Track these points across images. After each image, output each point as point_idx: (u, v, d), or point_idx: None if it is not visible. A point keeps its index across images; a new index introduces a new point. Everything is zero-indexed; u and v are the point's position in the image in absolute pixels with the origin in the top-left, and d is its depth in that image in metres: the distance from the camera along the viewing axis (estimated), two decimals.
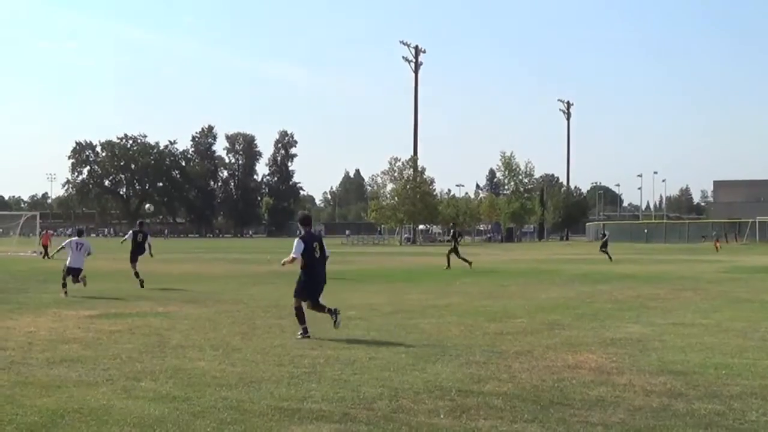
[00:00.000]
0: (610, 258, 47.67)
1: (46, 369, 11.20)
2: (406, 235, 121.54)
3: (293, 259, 14.34)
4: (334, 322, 14.46)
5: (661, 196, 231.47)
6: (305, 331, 14.41)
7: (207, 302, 21.02)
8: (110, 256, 46.73)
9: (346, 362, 11.73)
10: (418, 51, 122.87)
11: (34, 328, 15.53)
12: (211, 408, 8.82)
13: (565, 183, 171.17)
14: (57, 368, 11.24)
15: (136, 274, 26.71)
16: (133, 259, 27.73)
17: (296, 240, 14.44)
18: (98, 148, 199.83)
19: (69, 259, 23.92)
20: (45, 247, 54.02)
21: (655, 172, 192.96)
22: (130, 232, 29.21)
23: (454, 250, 39.35)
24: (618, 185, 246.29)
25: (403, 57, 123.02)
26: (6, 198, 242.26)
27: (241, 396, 9.42)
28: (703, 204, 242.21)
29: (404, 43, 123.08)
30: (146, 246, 28.22)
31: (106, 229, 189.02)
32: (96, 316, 17.67)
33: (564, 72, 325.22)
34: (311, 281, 14.59)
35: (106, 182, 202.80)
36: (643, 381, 10.42)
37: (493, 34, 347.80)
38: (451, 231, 46.14)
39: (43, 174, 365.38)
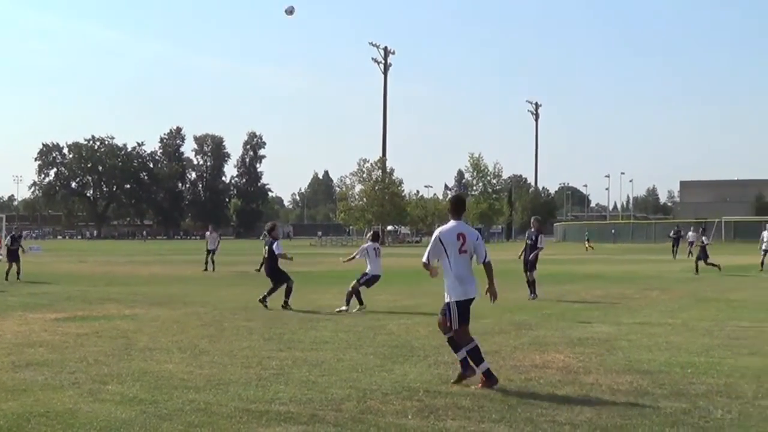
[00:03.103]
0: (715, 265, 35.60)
1: (12, 373, 11.10)
2: None
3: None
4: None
5: (628, 197, 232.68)
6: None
7: (174, 304, 20.95)
8: (77, 258, 46.57)
9: (314, 364, 11.72)
10: (387, 52, 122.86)
11: None
12: (179, 411, 8.77)
13: (533, 184, 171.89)
14: (23, 372, 11.15)
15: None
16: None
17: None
18: (65, 150, 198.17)
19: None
20: None
21: (623, 173, 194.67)
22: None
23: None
24: (585, 186, 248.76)
25: (372, 58, 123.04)
26: None
27: (209, 398, 9.38)
28: (669, 204, 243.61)
29: (373, 45, 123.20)
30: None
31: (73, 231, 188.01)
32: (62, 319, 17.55)
33: (532, 73, 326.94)
34: None
35: (73, 184, 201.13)
36: (610, 380, 10.48)
37: (463, 35, 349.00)
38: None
39: (9, 176, 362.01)
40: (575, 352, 12.89)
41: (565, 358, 12.25)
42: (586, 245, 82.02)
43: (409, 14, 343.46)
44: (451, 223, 10.73)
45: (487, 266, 10.94)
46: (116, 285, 26.87)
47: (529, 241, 24.30)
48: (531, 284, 23.05)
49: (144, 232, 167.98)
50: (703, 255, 35.51)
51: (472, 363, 10.30)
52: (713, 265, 34.49)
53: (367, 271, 20.09)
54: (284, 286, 20.05)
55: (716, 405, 9.06)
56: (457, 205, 10.96)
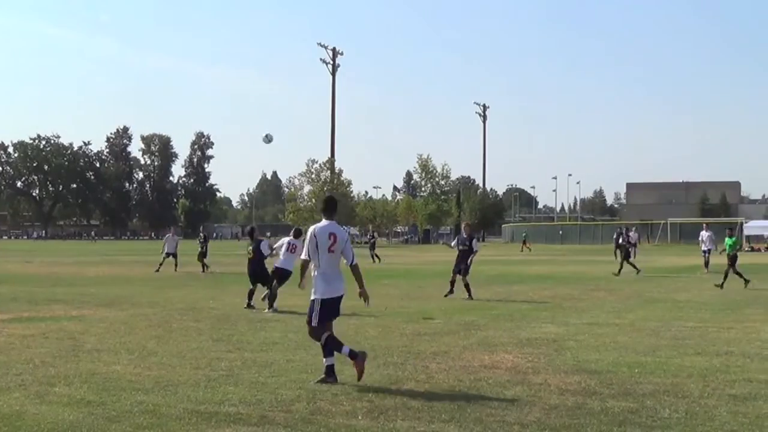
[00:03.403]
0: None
1: None
2: None
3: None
4: None
5: (575, 198, 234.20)
6: None
7: (122, 305, 20.79)
8: (22, 259, 46.05)
9: (263, 365, 11.70)
10: (335, 53, 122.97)
11: None
12: (127, 413, 8.72)
13: (481, 185, 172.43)
14: None
15: None
16: None
17: None
18: (10, 149, 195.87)
19: None
20: None
21: (570, 175, 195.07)
22: None
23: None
24: (533, 187, 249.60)
25: (320, 59, 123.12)
26: None
27: (158, 400, 9.33)
28: (616, 206, 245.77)
29: (322, 45, 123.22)
30: None
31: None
32: (8, 320, 17.34)
33: (480, 74, 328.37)
34: None
35: (18, 183, 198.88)
36: (559, 380, 10.56)
37: (411, 36, 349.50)
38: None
39: None
40: (524, 352, 12.97)
41: (514, 359, 12.32)
42: (522, 246, 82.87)
43: (357, 15, 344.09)
44: (324, 222, 10.97)
45: (355, 269, 11.03)
46: (63, 286, 26.62)
47: (462, 247, 24.03)
48: (465, 286, 23.10)
49: (93, 233, 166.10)
50: (627, 254, 36.28)
51: (335, 351, 10.54)
52: (633, 265, 35.05)
53: (275, 263, 20.49)
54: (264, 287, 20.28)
55: (663, 404, 9.17)
56: (329, 205, 11.23)
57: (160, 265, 37.88)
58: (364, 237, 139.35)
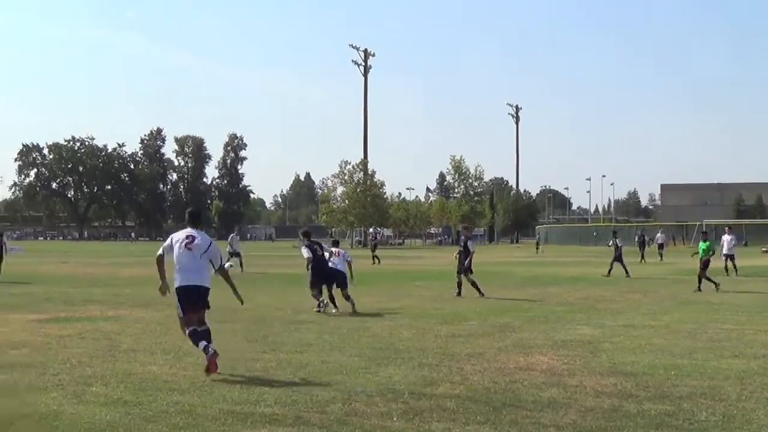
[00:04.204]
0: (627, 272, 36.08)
1: None
2: (357, 238, 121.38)
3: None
4: None
5: (609, 200, 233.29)
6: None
7: (158, 306, 20.82)
8: (58, 259, 46.37)
9: (298, 366, 11.71)
10: (367, 54, 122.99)
11: None
12: (163, 413, 8.76)
13: (514, 186, 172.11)
14: (6, 373, 11.10)
15: None
16: None
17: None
18: (45, 151, 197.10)
19: None
20: None
21: (604, 176, 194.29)
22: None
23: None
24: (567, 188, 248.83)
25: (352, 60, 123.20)
26: None
27: (194, 400, 9.37)
28: (650, 207, 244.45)
29: (354, 47, 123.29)
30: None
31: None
32: (45, 321, 17.47)
33: (514, 75, 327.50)
34: None
35: (54, 185, 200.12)
36: (594, 382, 10.51)
37: (445, 38, 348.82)
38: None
39: None
40: (559, 354, 12.92)
41: (549, 361, 12.27)
42: (537, 248, 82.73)
43: (390, 16, 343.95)
44: (186, 229, 11.89)
45: (222, 272, 12.05)
46: (98, 286, 26.79)
47: (460, 247, 25.20)
48: (473, 285, 23.91)
49: (132, 234, 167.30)
50: (620, 258, 36.20)
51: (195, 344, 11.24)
52: (625, 269, 35.26)
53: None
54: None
55: (700, 407, 9.10)
56: (192, 216, 12.18)
57: (240, 265, 37.86)
58: (398, 239, 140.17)
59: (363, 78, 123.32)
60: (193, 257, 11.52)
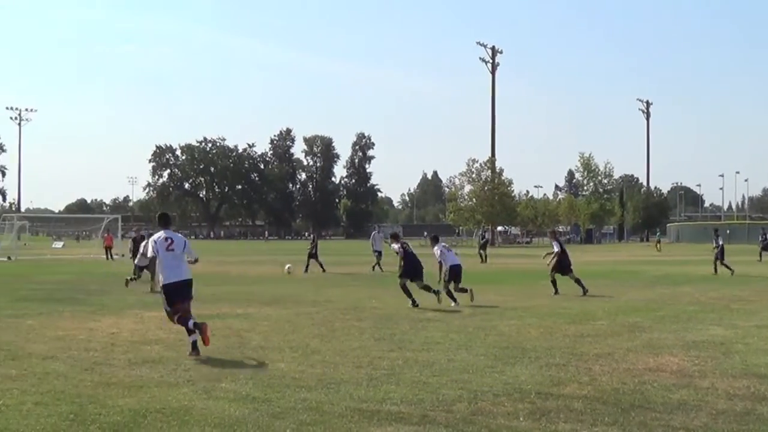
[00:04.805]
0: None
1: (128, 370, 11.37)
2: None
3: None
4: None
5: (743, 196, 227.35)
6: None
7: (286, 304, 21.17)
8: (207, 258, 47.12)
9: (425, 364, 11.72)
10: (494, 52, 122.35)
11: (116, 330, 15.76)
12: (291, 409, 8.87)
13: (645, 183, 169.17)
14: (139, 369, 11.41)
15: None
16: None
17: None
18: (178, 152, 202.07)
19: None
20: (108, 249, 55.16)
21: (737, 172, 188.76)
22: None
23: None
24: (699, 185, 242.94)
25: (480, 58, 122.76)
26: (89, 201, 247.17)
27: (321, 397, 9.46)
28: None
29: (481, 44, 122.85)
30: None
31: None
32: None
33: (643, 70, 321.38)
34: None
35: (186, 185, 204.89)
36: (726, 384, 10.26)
37: (569, 33, 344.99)
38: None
39: (125, 177, 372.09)
40: (690, 355, 12.65)
41: (680, 362, 12.03)
42: (657, 245, 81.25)
43: (516, 13, 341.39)
44: (161, 231, 13.60)
45: (193, 264, 13.85)
46: (229, 284, 27.26)
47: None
48: (553, 282, 24.72)
49: (266, 233, 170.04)
50: (720, 255, 35.67)
51: (183, 326, 12.90)
52: (728, 267, 34.61)
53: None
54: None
55: None
56: (162, 219, 14.12)
57: (378, 264, 38.34)
58: (525, 238, 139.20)
59: (490, 75, 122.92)
60: (175, 256, 13.26)
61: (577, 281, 24.49)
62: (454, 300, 20.61)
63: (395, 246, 21.39)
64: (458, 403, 9.18)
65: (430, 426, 8.21)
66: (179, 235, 13.77)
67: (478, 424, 8.27)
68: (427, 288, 20.63)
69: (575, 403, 9.14)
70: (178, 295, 13.08)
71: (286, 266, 22.78)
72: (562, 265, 25.08)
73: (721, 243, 35.92)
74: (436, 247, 21.93)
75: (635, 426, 8.21)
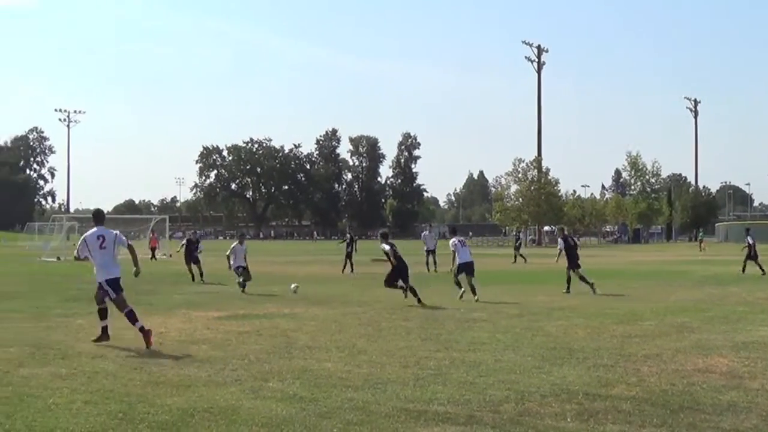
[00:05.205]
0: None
1: (177, 369, 11.45)
2: (530, 237, 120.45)
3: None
4: None
5: None
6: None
7: (332, 303, 21.22)
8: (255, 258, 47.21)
9: (471, 365, 11.71)
10: (540, 51, 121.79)
11: (164, 329, 15.87)
12: (338, 409, 8.89)
13: (693, 182, 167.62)
14: (187, 368, 11.49)
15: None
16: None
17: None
18: (225, 153, 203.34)
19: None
20: (153, 249, 55.61)
21: None
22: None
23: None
24: (748, 184, 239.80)
25: (525, 57, 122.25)
26: (137, 202, 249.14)
27: (367, 397, 9.48)
28: None
29: (526, 43, 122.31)
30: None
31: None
32: (224, 318, 18.00)
33: (690, 68, 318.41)
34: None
35: (233, 185, 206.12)
36: None
37: (617, 32, 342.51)
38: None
39: (172, 178, 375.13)
40: (740, 356, 12.53)
41: (730, 363, 11.92)
42: (700, 245, 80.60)
43: (562, 12, 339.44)
44: (94, 229, 14.11)
45: (130, 249, 14.59)
46: (276, 284, 27.36)
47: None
48: (569, 280, 25.38)
49: (314, 233, 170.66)
50: (754, 255, 35.69)
51: (130, 323, 13.66)
52: (761, 267, 34.70)
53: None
54: None
55: None
56: (96, 217, 14.50)
57: (435, 264, 38.34)
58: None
59: (536, 74, 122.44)
60: (108, 253, 13.94)
61: (582, 278, 24.84)
62: (460, 287, 22.15)
63: (386, 246, 21.80)
64: (505, 403, 9.16)
65: (476, 426, 8.20)
66: (111, 231, 14.39)
67: (525, 424, 8.24)
68: (402, 287, 21.53)
69: (623, 405, 9.09)
70: (118, 289, 13.92)
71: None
72: (570, 261, 25.45)
73: (751, 242, 35.72)
74: (452, 239, 23.16)
75: (684, 427, 8.15)
